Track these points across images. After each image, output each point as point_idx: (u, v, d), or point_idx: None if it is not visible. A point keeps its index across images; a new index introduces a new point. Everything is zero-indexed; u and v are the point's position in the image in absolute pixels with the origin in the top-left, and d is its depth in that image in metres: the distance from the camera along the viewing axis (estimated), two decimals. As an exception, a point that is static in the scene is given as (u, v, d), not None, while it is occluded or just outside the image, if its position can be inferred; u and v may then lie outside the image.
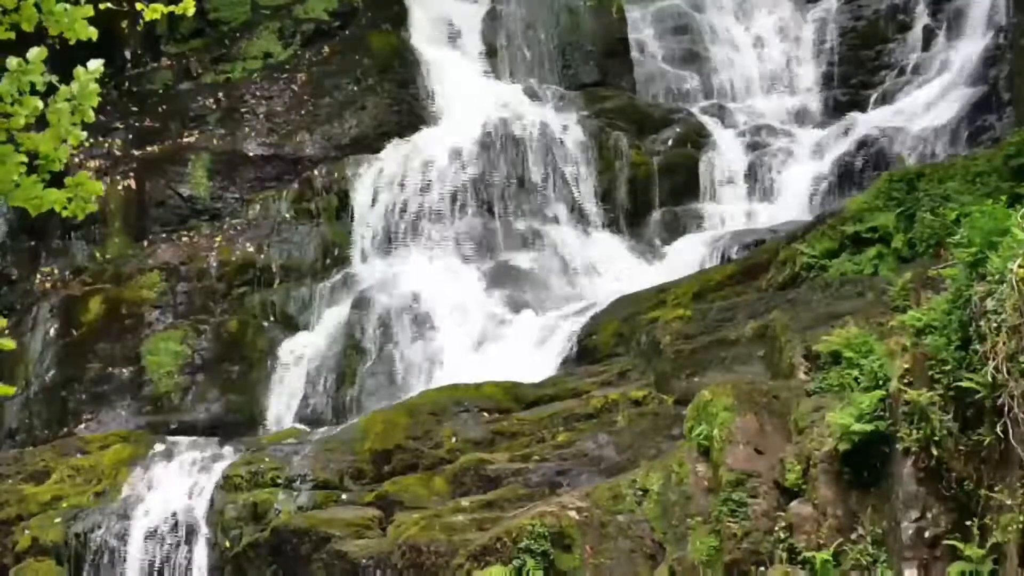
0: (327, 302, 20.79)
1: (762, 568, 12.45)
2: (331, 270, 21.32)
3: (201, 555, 15.33)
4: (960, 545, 11.21)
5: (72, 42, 8.55)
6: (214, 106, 23.53)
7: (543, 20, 24.94)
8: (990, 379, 10.94)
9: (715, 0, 26.52)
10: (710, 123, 23.54)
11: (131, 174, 22.28)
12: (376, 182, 21.91)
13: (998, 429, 10.87)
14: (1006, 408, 10.80)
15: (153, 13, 8.99)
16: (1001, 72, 21.77)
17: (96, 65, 8.28)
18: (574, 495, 14.01)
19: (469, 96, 23.57)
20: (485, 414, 16.56)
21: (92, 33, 8.48)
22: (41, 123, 8.47)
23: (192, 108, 23.56)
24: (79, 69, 8.29)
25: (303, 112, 23.31)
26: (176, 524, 15.48)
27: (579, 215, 22.02)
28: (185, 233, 21.88)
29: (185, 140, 23.03)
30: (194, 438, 17.85)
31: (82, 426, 19.38)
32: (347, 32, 24.58)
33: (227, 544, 15.23)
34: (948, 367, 11.51)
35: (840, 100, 24.33)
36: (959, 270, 11.71)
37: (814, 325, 14.86)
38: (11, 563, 15.58)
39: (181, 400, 19.78)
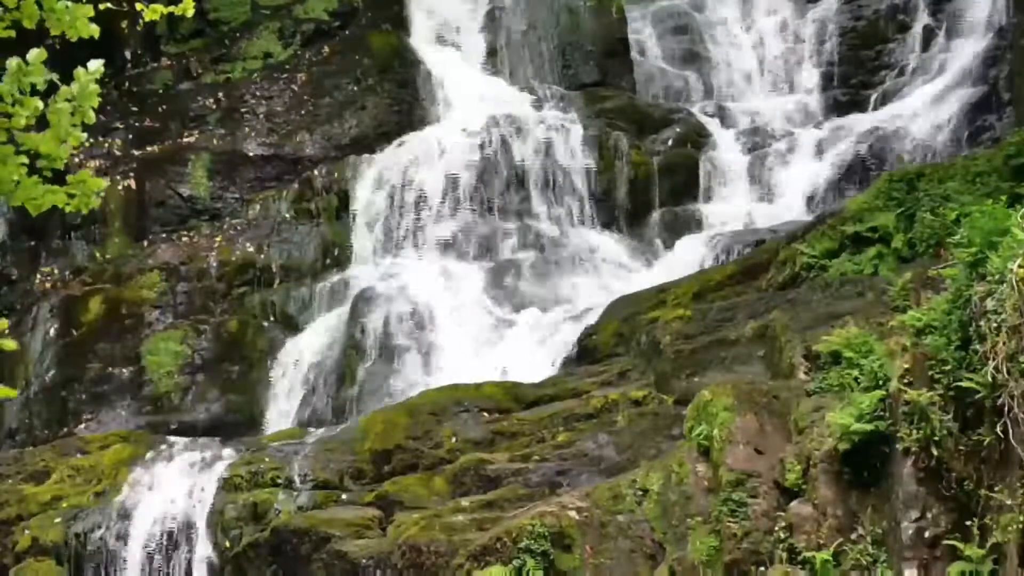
0: (327, 302, 20.81)
1: (762, 568, 12.45)
2: (331, 270, 21.33)
3: (201, 555, 15.32)
4: (960, 545, 11.21)
5: (74, 39, 8.55)
6: (214, 106, 23.54)
7: (543, 20, 24.95)
8: (990, 379, 10.94)
9: (715, 0, 26.52)
10: (710, 123, 23.55)
11: (131, 174, 22.29)
12: (376, 182, 21.91)
13: (998, 429, 10.87)
14: (1006, 408, 10.80)
15: (153, 14, 8.99)
16: (1001, 72, 21.77)
17: (96, 66, 8.28)
18: (574, 495, 14.01)
19: (469, 96, 23.59)
20: (485, 414, 16.56)
21: (94, 30, 8.47)
22: (42, 123, 8.47)
23: (192, 108, 23.57)
24: (79, 70, 8.29)
25: (303, 112, 23.32)
26: (176, 524, 15.48)
27: (579, 215, 22.02)
28: (185, 233, 21.89)
29: (185, 140, 23.04)
30: (194, 438, 17.84)
31: (82, 426, 19.39)
32: (347, 32, 24.59)
33: (227, 544, 15.23)
34: (948, 367, 11.51)
35: (840, 100, 24.34)
36: (959, 270, 11.71)
37: (814, 325, 14.86)
38: (11, 563, 15.57)
39: (181, 400, 19.79)
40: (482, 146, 22.08)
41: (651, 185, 22.38)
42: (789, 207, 21.66)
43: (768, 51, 25.59)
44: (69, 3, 8.35)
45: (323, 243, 21.56)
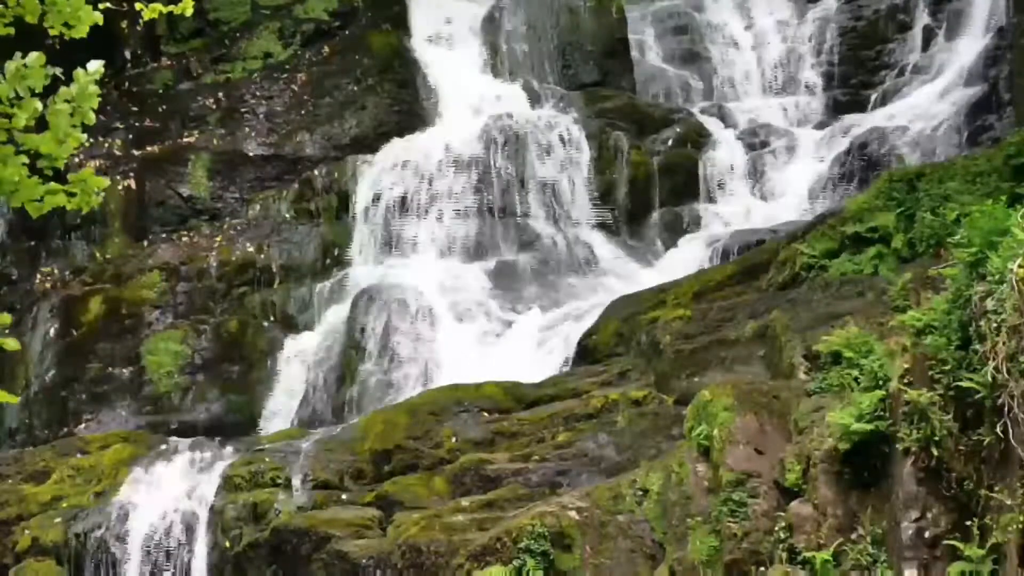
0: (327, 302, 20.81)
1: (762, 568, 12.45)
2: (331, 270, 21.33)
3: (201, 555, 15.32)
4: (960, 545, 11.21)
5: (81, 35, 8.53)
6: (214, 106, 23.55)
7: (543, 20, 24.95)
8: (990, 379, 10.93)
9: (715, 0, 26.52)
10: (710, 123, 23.54)
11: (131, 174, 22.29)
12: (376, 182, 21.91)
13: (998, 429, 10.86)
14: (1006, 408, 10.80)
15: (152, 13, 8.99)
16: (1001, 72, 21.77)
17: (96, 67, 8.27)
18: (574, 495, 14.01)
19: (469, 96, 23.59)
20: (485, 414, 16.56)
21: (97, 18, 8.46)
22: (43, 123, 8.47)
23: (192, 108, 23.58)
24: (78, 71, 8.28)
25: (303, 112, 23.32)
26: (176, 524, 15.47)
27: (579, 215, 22.01)
28: (185, 233, 21.90)
29: (185, 140, 23.05)
30: (194, 438, 17.84)
31: (82, 426, 19.39)
32: (347, 32, 24.59)
33: (227, 544, 15.22)
34: (948, 367, 11.51)
35: (840, 100, 24.34)
36: (959, 270, 11.71)
37: (814, 325, 14.86)
38: (11, 563, 15.56)
39: (181, 400, 19.80)
40: (482, 146, 22.08)
41: (651, 185, 22.38)
42: (789, 207, 21.66)
43: (768, 51, 25.59)
44: (70, -1, 8.35)
45: (323, 243, 21.56)
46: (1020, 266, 10.83)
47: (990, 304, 11.03)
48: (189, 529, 15.44)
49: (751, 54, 25.63)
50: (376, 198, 21.78)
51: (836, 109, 24.09)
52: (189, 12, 8.89)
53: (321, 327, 20.47)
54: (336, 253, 21.51)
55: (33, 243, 21.81)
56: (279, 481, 15.67)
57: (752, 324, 15.99)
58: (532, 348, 18.93)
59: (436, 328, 19.66)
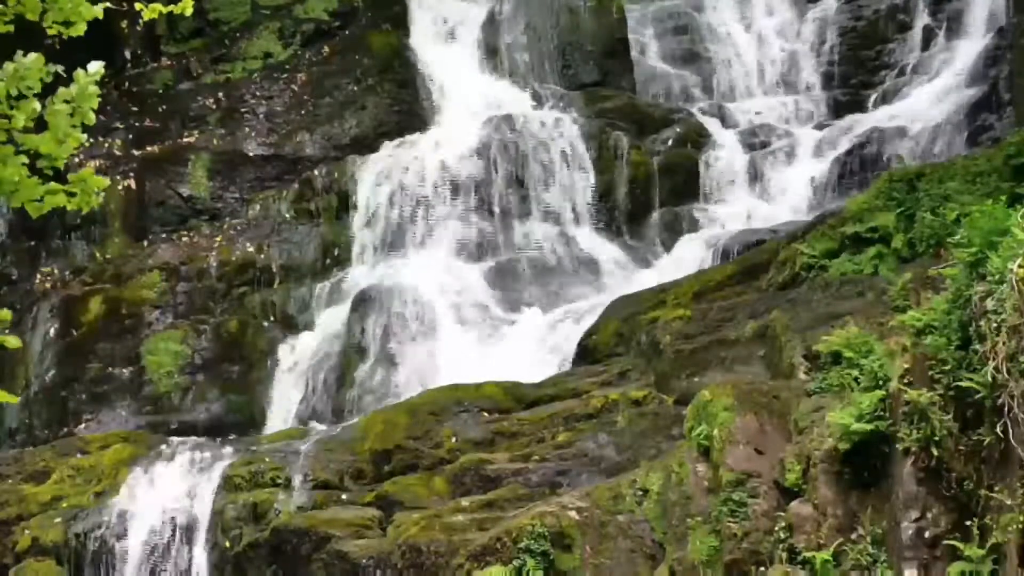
0: (327, 302, 20.81)
1: (762, 568, 12.45)
2: (331, 270, 21.33)
3: (201, 555, 15.32)
4: (960, 545, 11.21)
5: (79, 32, 8.52)
6: (214, 106, 23.55)
7: (543, 20, 24.95)
8: (990, 379, 10.93)
9: (715, 0, 26.52)
10: (710, 123, 23.54)
11: (131, 174, 22.29)
12: (376, 182, 21.91)
13: (998, 429, 10.87)
14: (1006, 408, 10.80)
15: (152, 13, 8.99)
16: (1001, 72, 21.76)
17: (96, 68, 8.27)
18: (574, 495, 14.01)
19: (469, 96, 23.60)
20: (485, 414, 16.56)
21: (97, 12, 8.45)
22: (43, 123, 8.46)
23: (192, 108, 23.58)
24: (79, 72, 8.28)
25: (303, 112, 23.33)
26: (176, 524, 15.47)
27: (579, 215, 22.02)
28: (185, 233, 21.90)
29: (185, 140, 23.05)
30: (194, 438, 17.85)
31: (82, 426, 19.39)
32: (347, 32, 24.59)
33: (227, 544, 15.23)
34: (948, 367, 11.51)
35: (840, 100, 24.34)
36: (959, 270, 11.71)
37: (814, 325, 14.87)
38: (11, 563, 15.56)
39: (181, 400, 19.80)
40: (482, 146, 22.08)
41: (651, 185, 22.37)
42: (789, 207, 21.66)
43: (768, 51, 25.59)
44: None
45: (323, 243, 21.57)
46: (1020, 266, 10.83)
47: (990, 304, 11.03)
48: (189, 529, 15.44)
49: (751, 54, 25.63)
50: (376, 198, 21.77)
51: (836, 109, 24.08)
52: (189, 12, 8.88)
53: (321, 327, 20.46)
54: (336, 253, 21.51)
55: (33, 243, 21.81)
56: (279, 481, 15.67)
57: (752, 324, 16.00)
58: (532, 348, 18.94)
59: (436, 328, 19.66)
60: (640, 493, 13.75)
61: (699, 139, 22.95)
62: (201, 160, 22.60)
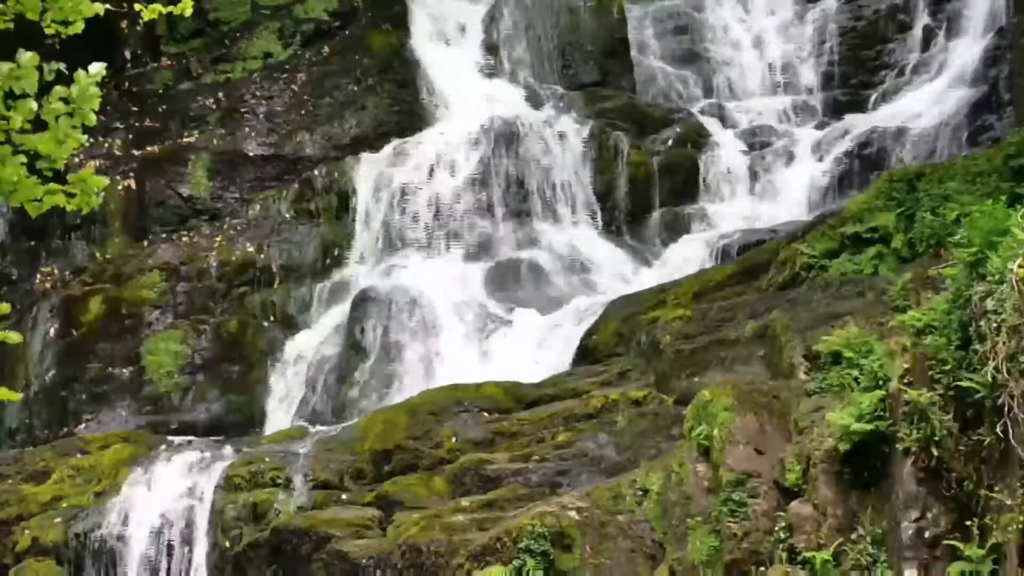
0: (327, 302, 20.81)
1: (762, 568, 12.45)
2: (331, 270, 21.33)
3: (201, 555, 15.33)
4: (960, 545, 11.21)
5: (77, 31, 8.50)
6: (214, 106, 23.54)
7: (543, 20, 24.94)
8: (990, 379, 10.94)
9: (715, 0, 26.51)
10: (710, 123, 23.53)
11: (131, 174, 22.29)
12: (376, 182, 21.91)
13: (998, 429, 10.87)
14: (1006, 408, 10.80)
15: (151, 13, 8.97)
16: (1001, 72, 21.76)
17: (98, 68, 8.25)
18: (574, 495, 14.02)
19: (469, 96, 23.59)
20: (485, 414, 16.56)
21: (98, 8, 8.43)
22: (42, 124, 8.45)
23: (192, 108, 23.57)
24: (79, 73, 8.26)
25: (303, 112, 23.32)
26: (176, 524, 15.48)
27: (579, 215, 22.02)
28: (185, 233, 21.89)
29: (185, 140, 23.04)
30: (194, 438, 17.85)
31: (82, 426, 19.39)
32: (347, 32, 24.58)
33: (227, 544, 15.23)
34: (948, 367, 11.51)
35: (840, 100, 24.33)
36: (959, 270, 11.71)
37: (814, 325, 14.87)
38: (11, 563, 15.57)
39: (181, 400, 19.79)
40: (482, 146, 22.08)
41: (651, 185, 22.37)
42: (789, 207, 21.66)
43: (768, 51, 25.58)
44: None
45: (323, 243, 21.56)
46: (1020, 266, 10.83)
47: (990, 304, 11.04)
48: (189, 529, 15.45)
49: (751, 54, 25.61)
50: (376, 198, 21.78)
51: (836, 109, 24.07)
52: (188, 12, 8.86)
53: (321, 327, 20.47)
54: (336, 253, 21.51)
55: (33, 243, 21.81)
56: (279, 481, 15.67)
57: (752, 324, 16.00)
58: (532, 348, 18.93)
59: (436, 328, 19.66)
60: (640, 493, 13.75)
61: (699, 139, 22.95)
62: (201, 160, 22.60)
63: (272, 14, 24.72)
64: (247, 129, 23.16)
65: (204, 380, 19.94)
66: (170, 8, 8.93)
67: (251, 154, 22.81)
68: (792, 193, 22.01)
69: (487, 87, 24.01)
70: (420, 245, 21.41)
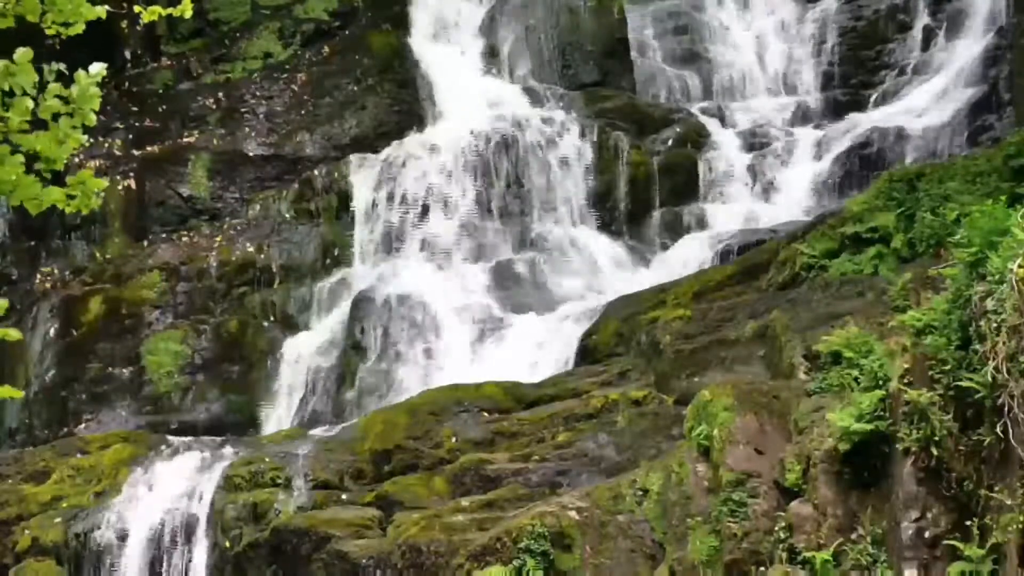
0: (327, 302, 20.81)
1: (762, 568, 12.45)
2: (331, 270, 21.33)
3: (201, 555, 15.33)
4: (960, 545, 11.22)
5: (77, 31, 8.49)
6: (214, 106, 23.55)
7: (543, 20, 24.94)
8: (990, 379, 10.94)
9: (715, 0, 26.51)
10: (710, 123, 23.53)
11: (131, 174, 22.29)
12: (376, 182, 21.91)
13: (998, 429, 10.87)
14: (1006, 408, 10.80)
15: (151, 15, 8.96)
16: (1001, 72, 21.77)
17: (98, 69, 8.23)
18: (574, 495, 14.02)
19: (469, 96, 23.58)
20: (485, 414, 16.56)
21: (100, 12, 8.42)
22: (41, 124, 8.44)
23: (192, 108, 23.57)
24: (80, 73, 8.24)
25: (303, 112, 23.32)
26: (176, 524, 15.48)
27: (579, 215, 22.02)
28: (185, 233, 21.89)
29: (185, 140, 23.05)
30: (194, 438, 17.85)
31: (82, 426, 19.39)
32: (347, 32, 24.59)
33: (227, 544, 15.23)
34: (948, 367, 11.52)
35: (840, 100, 24.32)
36: (959, 270, 11.71)
37: (814, 325, 14.87)
38: (11, 563, 15.58)
39: (181, 400, 19.80)
40: (482, 146, 22.09)
41: (651, 185, 22.38)
42: (789, 207, 21.65)
43: (768, 51, 25.58)
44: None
45: (323, 243, 21.56)
46: (1020, 266, 10.83)
47: (990, 304, 11.04)
48: (189, 529, 15.45)
49: (751, 54, 25.61)
50: (376, 198, 21.78)
51: (836, 109, 24.06)
52: (188, 14, 8.84)
53: (321, 327, 20.47)
54: (336, 253, 21.51)
55: (33, 243, 21.81)
56: (279, 481, 15.67)
57: (752, 324, 16.00)
58: (532, 348, 18.93)
59: (436, 328, 19.67)
60: (640, 493, 13.75)
61: (699, 139, 22.95)
62: (201, 160, 22.60)
63: (272, 14, 24.72)
64: (247, 129, 23.16)
65: (204, 380, 19.95)
66: (169, 10, 8.91)
67: (251, 154, 22.81)
68: (792, 193, 22.01)
69: (487, 87, 24.00)
70: (420, 245, 21.41)
